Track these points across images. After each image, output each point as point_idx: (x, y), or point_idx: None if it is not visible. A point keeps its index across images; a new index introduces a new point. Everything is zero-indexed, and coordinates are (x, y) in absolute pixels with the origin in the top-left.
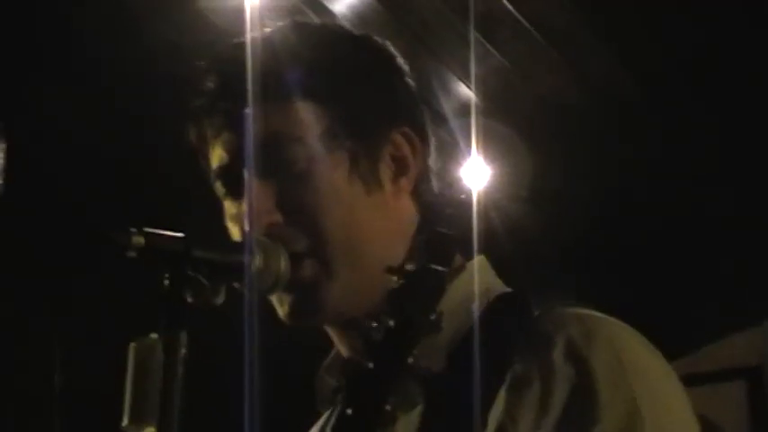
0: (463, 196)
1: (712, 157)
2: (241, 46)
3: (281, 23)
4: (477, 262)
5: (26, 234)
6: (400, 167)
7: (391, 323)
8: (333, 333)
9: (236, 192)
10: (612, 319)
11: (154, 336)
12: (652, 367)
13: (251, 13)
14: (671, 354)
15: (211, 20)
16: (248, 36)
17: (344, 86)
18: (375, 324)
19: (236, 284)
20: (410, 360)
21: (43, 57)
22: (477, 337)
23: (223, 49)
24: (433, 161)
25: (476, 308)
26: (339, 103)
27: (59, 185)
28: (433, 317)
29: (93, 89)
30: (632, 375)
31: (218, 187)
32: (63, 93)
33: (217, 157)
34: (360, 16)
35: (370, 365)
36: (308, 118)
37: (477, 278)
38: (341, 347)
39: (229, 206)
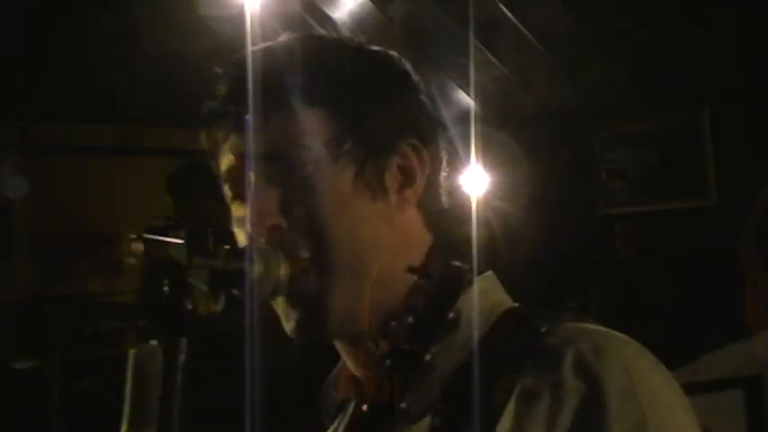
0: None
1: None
2: (254, 53)
3: (294, 34)
4: (486, 277)
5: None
6: (407, 178)
7: (411, 320)
8: (341, 348)
9: (242, 195)
10: (620, 335)
11: (153, 342)
12: (660, 383)
13: (251, 21)
14: (669, 363)
15: (212, 27)
16: (249, 43)
17: (353, 95)
18: (394, 323)
19: (235, 291)
20: (427, 358)
21: (50, 61)
22: (476, 353)
23: (237, 55)
24: (443, 176)
25: (475, 321)
26: (347, 111)
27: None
28: (452, 315)
29: (98, 92)
30: (641, 390)
31: (226, 190)
32: (69, 95)
33: (226, 160)
34: (360, 24)
35: (388, 362)
36: (315, 124)
37: (483, 291)
38: (349, 363)
39: (236, 209)
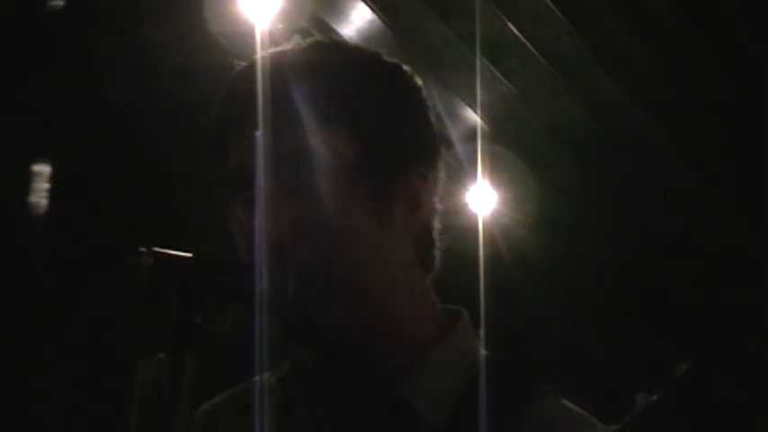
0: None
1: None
2: (271, 58)
3: (309, 40)
4: (465, 321)
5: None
6: (412, 208)
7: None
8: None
9: (248, 200)
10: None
11: (162, 355)
12: None
13: (261, 38)
14: None
15: (222, 44)
16: (259, 57)
17: (376, 119)
18: None
19: (243, 306)
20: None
21: (60, 75)
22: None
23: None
24: (439, 201)
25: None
26: (365, 135)
27: (71, 201)
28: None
29: (108, 110)
30: None
31: (231, 196)
32: (79, 112)
33: (234, 161)
34: (368, 41)
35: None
36: (334, 144)
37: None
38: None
39: (239, 216)
